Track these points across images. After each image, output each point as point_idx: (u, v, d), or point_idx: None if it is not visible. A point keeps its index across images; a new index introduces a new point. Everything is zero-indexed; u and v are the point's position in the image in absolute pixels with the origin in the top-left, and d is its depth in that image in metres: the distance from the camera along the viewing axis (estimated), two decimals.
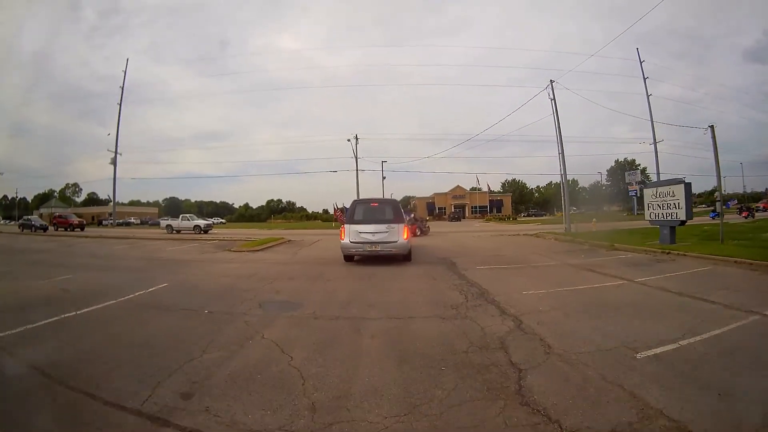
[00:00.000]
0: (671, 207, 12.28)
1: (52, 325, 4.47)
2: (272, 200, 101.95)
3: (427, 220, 26.54)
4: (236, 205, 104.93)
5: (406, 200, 68.88)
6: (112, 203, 52.30)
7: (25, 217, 36.07)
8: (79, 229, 30.65)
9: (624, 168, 74.49)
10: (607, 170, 75.76)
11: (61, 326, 4.47)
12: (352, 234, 9.31)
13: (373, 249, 9.18)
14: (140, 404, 2.52)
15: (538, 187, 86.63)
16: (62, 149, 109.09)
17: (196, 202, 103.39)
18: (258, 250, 13.01)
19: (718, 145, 12.99)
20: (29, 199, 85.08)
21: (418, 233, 21.30)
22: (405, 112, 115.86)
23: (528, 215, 69.17)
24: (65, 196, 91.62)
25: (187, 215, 28.31)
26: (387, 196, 31.84)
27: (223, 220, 76.80)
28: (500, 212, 67.52)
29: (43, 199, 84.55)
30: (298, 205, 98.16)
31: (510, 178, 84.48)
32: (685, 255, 9.73)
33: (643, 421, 2.25)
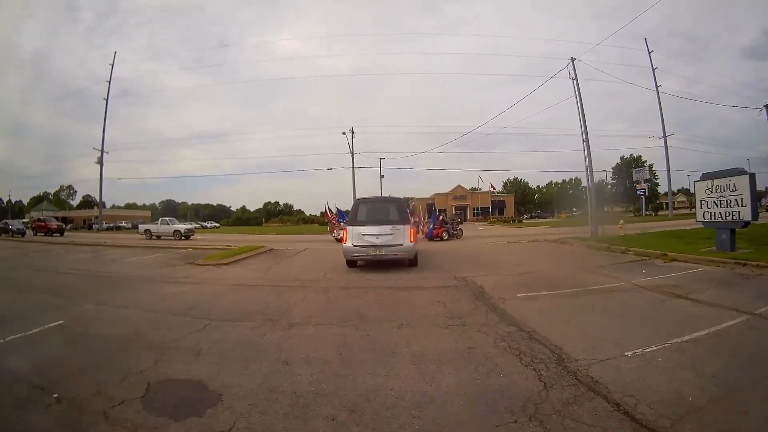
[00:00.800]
0: (732, 204, 9.83)
1: None
2: (269, 203, 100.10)
3: (459, 222, 22.05)
4: (233, 208, 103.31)
5: (406, 201, 66.07)
6: (107, 206, 50.19)
7: (3, 221, 34.34)
8: (58, 234, 29.39)
9: (630, 165, 71.45)
10: (612, 168, 72.81)
11: None
12: (354, 237, 8.53)
13: (378, 254, 8.40)
14: None
15: (538, 186, 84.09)
16: (61, 150, 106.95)
17: (192, 204, 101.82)
18: (226, 264, 10.51)
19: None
20: (25, 201, 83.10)
21: (445, 237, 19.05)
22: (404, 109, 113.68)
23: (531, 217, 66.51)
24: (60, 199, 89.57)
25: (167, 219, 25.82)
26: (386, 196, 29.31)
27: (217, 224, 74.78)
28: (502, 214, 64.51)
29: (39, 201, 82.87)
30: (296, 207, 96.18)
31: (512, 177, 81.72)
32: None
33: None
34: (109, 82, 45.01)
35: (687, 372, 2.96)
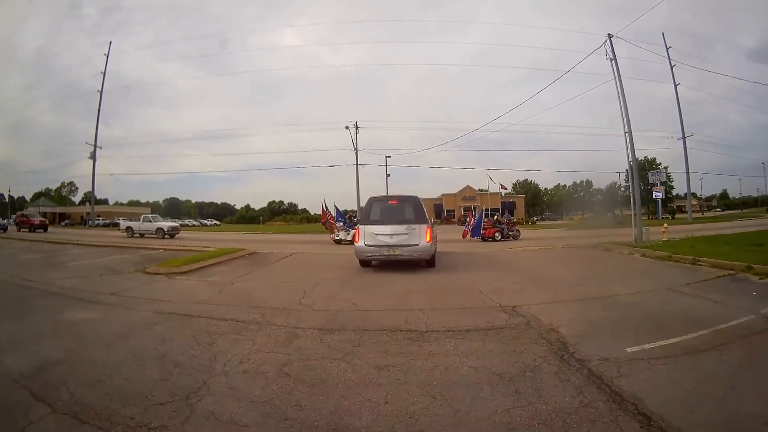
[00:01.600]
0: None
1: None
2: (273, 202, 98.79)
3: (515, 223, 21.62)
4: (237, 207, 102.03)
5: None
6: (109, 203, 48.91)
7: None
8: (41, 230, 28.51)
9: (644, 167, 68.39)
10: (626, 170, 69.68)
11: None
12: (367, 236, 8.36)
13: (392, 253, 8.21)
14: None
15: (546, 189, 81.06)
16: (66, 147, 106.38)
17: (196, 202, 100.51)
18: (182, 273, 8.22)
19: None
20: (28, 197, 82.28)
21: (498, 237, 17.98)
22: (409, 108, 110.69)
23: (542, 218, 63.95)
24: (62, 195, 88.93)
25: (150, 216, 23.84)
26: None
27: (218, 222, 73.23)
28: (512, 215, 61.79)
29: (40, 197, 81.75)
30: (300, 207, 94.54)
31: (521, 179, 78.92)
32: None
33: None
34: (104, 74, 43.38)
35: None
